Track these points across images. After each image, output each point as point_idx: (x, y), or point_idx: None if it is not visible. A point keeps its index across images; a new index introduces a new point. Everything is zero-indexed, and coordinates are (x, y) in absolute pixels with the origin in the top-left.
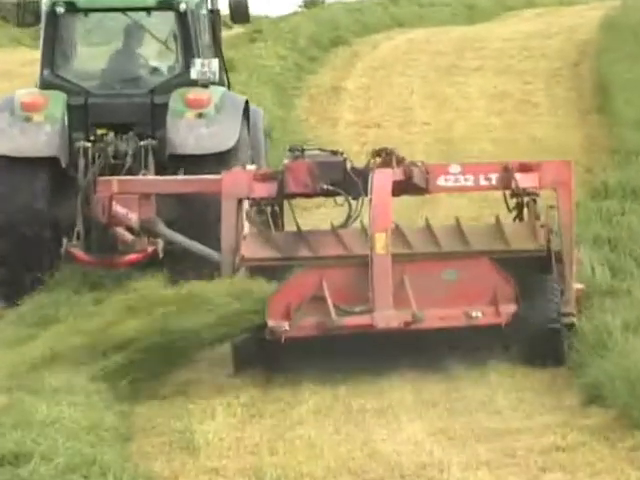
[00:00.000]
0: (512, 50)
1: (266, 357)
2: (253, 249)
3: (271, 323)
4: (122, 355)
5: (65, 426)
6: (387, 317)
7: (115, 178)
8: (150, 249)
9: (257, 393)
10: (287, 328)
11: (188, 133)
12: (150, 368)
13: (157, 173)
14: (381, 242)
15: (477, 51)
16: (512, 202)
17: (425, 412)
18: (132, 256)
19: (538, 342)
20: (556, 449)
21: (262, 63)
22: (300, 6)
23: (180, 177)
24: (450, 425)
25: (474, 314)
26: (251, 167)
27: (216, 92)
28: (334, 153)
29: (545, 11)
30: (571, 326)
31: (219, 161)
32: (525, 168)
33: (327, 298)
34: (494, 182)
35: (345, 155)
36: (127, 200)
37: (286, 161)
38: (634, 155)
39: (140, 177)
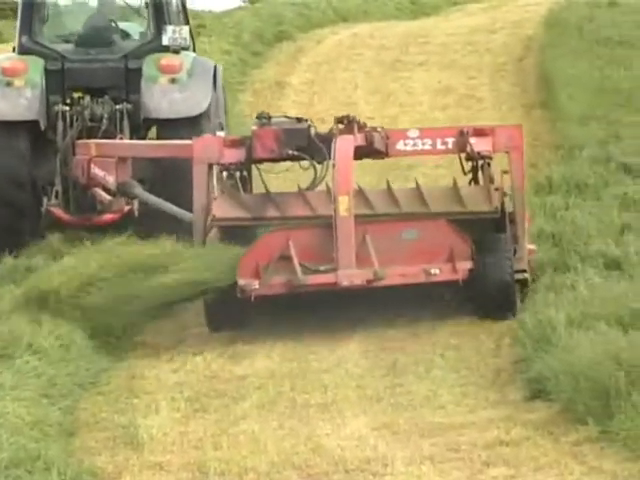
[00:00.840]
0: (456, 45)
1: (237, 314)
2: (224, 209)
3: (241, 282)
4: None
5: (9, 421)
6: (350, 275)
7: (93, 141)
8: (126, 208)
9: (201, 388)
10: (257, 286)
11: (162, 98)
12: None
13: (131, 136)
14: (344, 204)
15: (421, 46)
16: (467, 165)
17: (369, 407)
18: (109, 215)
19: (492, 296)
20: (500, 444)
21: (206, 58)
22: (244, 1)
23: (154, 142)
24: (394, 420)
25: (433, 271)
26: (221, 133)
27: (187, 58)
28: (299, 120)
29: (489, 6)
30: (524, 282)
31: (192, 124)
32: (479, 133)
33: (293, 258)
34: (450, 146)
35: (309, 122)
36: (105, 163)
37: (254, 128)
38: (578, 150)
39: (117, 141)
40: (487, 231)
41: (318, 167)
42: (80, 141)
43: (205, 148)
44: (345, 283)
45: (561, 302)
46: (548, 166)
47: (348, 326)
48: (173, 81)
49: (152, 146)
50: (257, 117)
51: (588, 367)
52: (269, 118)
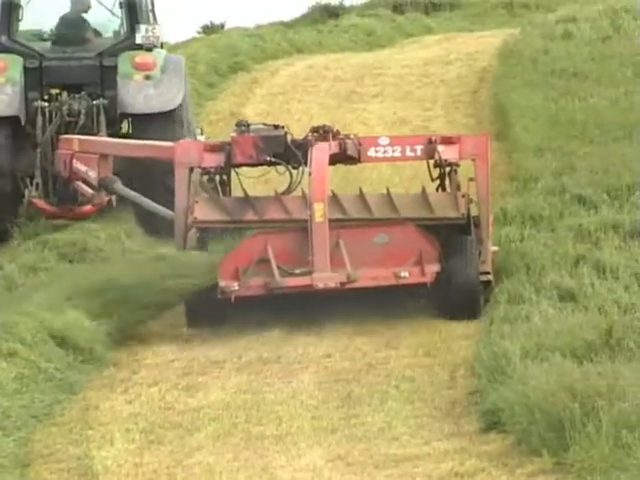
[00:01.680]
0: (411, 76)
1: (215, 313)
2: (205, 212)
3: (222, 283)
4: None
5: None
6: (325, 278)
7: (76, 137)
8: (105, 200)
9: (156, 419)
10: (236, 288)
11: (137, 93)
12: None
13: (107, 130)
14: (319, 211)
15: (376, 77)
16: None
17: (324, 439)
18: (89, 207)
19: (458, 297)
20: (455, 475)
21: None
22: (198, 32)
23: (137, 142)
24: (349, 451)
25: (402, 274)
26: (201, 138)
27: (159, 55)
28: (276, 127)
29: (444, 38)
30: (487, 283)
31: (166, 119)
32: (447, 141)
33: (271, 260)
34: (419, 153)
35: (286, 129)
36: (87, 158)
37: (233, 134)
38: (533, 181)
39: (100, 138)
40: (453, 234)
41: (294, 172)
42: (63, 136)
43: (186, 152)
44: (320, 285)
45: (516, 333)
46: (503, 197)
47: (302, 357)
48: (147, 78)
49: (134, 146)
50: (236, 125)
51: (543, 399)
52: (248, 126)
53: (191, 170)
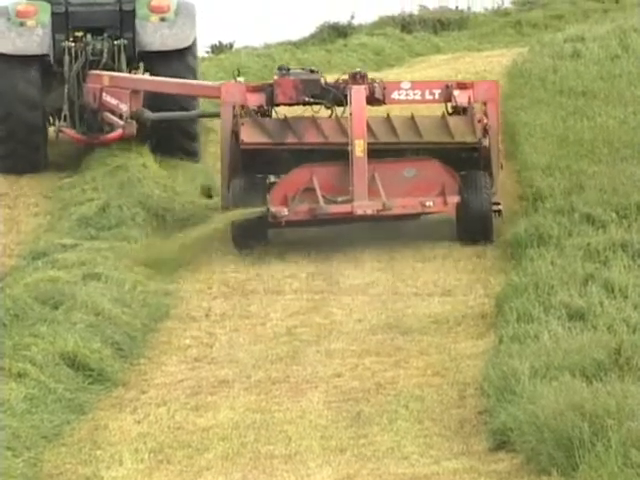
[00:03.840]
0: None
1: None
2: (250, 134)
3: (273, 209)
4: None
5: None
6: (364, 205)
7: (108, 73)
8: (127, 130)
9: (165, 439)
10: (286, 213)
11: (154, 33)
12: None
13: (127, 68)
14: (360, 147)
15: None
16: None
17: (333, 458)
18: (114, 134)
19: (476, 225)
20: None
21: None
22: (207, 52)
23: (185, 81)
24: (358, 471)
25: (427, 203)
26: (240, 79)
27: (173, 0)
28: (312, 72)
29: (452, 57)
30: (499, 212)
31: (179, 56)
32: (462, 86)
33: (317, 190)
34: (437, 96)
35: (321, 74)
36: (118, 92)
37: (275, 77)
38: (541, 200)
39: (147, 77)
40: (470, 170)
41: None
42: (92, 72)
43: (231, 92)
44: (359, 212)
45: (525, 353)
46: (512, 217)
47: (311, 377)
48: (163, 19)
49: (182, 85)
50: (278, 69)
51: (552, 418)
52: (288, 70)
53: (234, 108)
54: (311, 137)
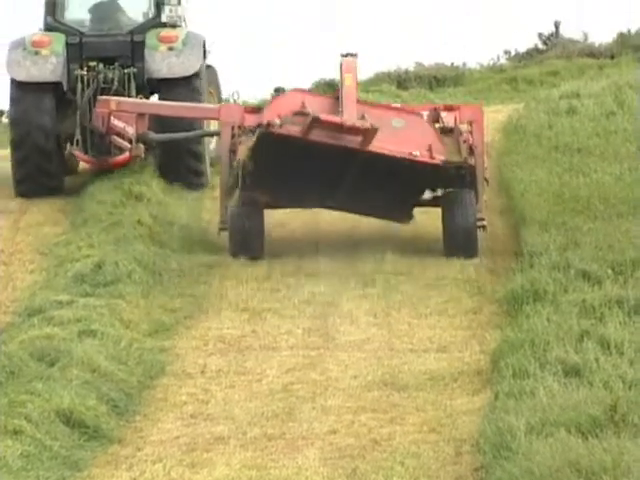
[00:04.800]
0: None
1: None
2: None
3: (266, 120)
4: None
5: None
6: (353, 119)
7: (115, 98)
8: (135, 152)
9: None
10: (279, 122)
11: (162, 62)
12: None
13: (136, 94)
14: (349, 79)
15: None
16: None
17: None
18: (121, 157)
19: (461, 239)
20: None
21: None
22: (272, 94)
23: (183, 103)
24: None
25: (415, 152)
26: (238, 101)
27: (182, 31)
28: None
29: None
30: (483, 227)
31: (186, 83)
32: (449, 109)
33: (308, 110)
34: (425, 118)
35: None
36: (125, 116)
37: (272, 98)
38: (537, 257)
39: (142, 100)
40: (455, 188)
41: None
42: (101, 97)
43: (230, 113)
44: (348, 123)
45: (520, 409)
46: (508, 273)
47: (307, 433)
48: (170, 49)
49: (183, 107)
50: (275, 90)
51: (548, 475)
52: (284, 91)
53: (233, 128)
54: None
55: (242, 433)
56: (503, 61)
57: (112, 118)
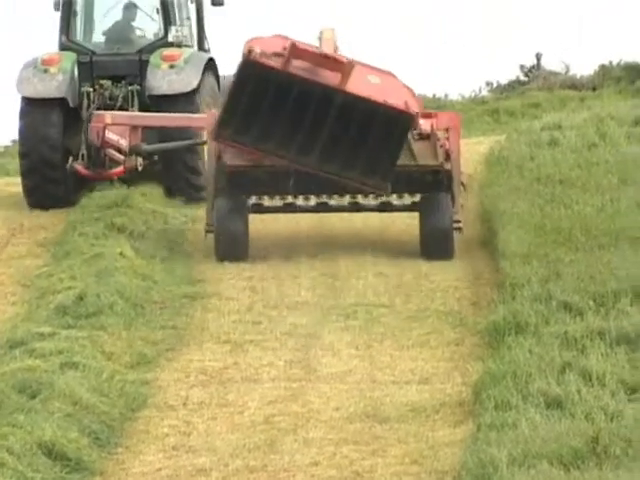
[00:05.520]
0: None
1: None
2: (232, 157)
3: (247, 49)
4: None
5: None
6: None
7: (108, 112)
8: (128, 164)
9: None
10: (258, 51)
11: (162, 79)
12: None
13: (140, 111)
14: (328, 34)
15: None
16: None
17: None
18: (117, 170)
19: (437, 241)
20: None
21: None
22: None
23: (171, 114)
24: None
25: (390, 101)
26: None
27: (187, 51)
28: None
29: None
30: (459, 229)
31: (186, 99)
32: (426, 116)
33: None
34: None
35: None
36: (118, 129)
37: None
38: (519, 289)
39: (132, 113)
40: (432, 192)
41: None
42: (96, 112)
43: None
44: (327, 52)
45: (502, 441)
46: (489, 305)
47: (289, 465)
48: (172, 67)
49: (173, 118)
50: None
51: None
52: None
53: None
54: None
55: (224, 465)
56: (485, 93)
57: (107, 131)
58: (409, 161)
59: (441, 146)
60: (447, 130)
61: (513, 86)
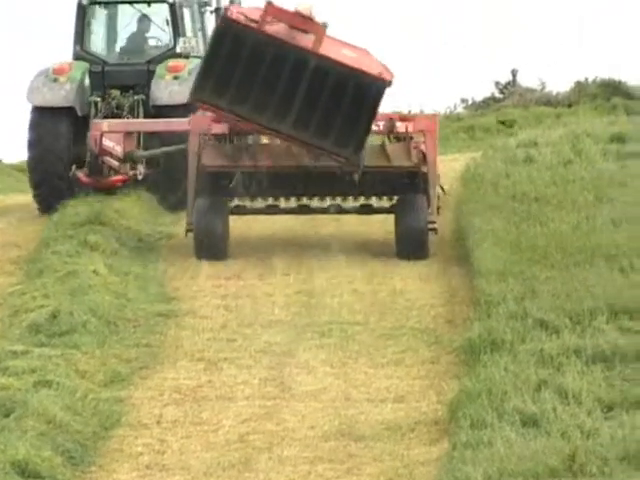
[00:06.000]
0: None
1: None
2: (211, 158)
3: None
4: None
5: None
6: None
7: (105, 120)
8: (132, 173)
9: None
10: (235, 12)
11: (165, 90)
12: None
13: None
14: (304, 6)
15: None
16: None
17: None
18: (118, 178)
19: (412, 242)
20: None
21: None
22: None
23: (161, 120)
24: None
25: (365, 68)
26: (208, 113)
27: (193, 62)
28: None
29: None
30: (434, 230)
31: (187, 109)
32: (403, 119)
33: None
34: (381, 127)
35: None
36: (114, 137)
37: None
38: (494, 306)
39: (126, 120)
40: (408, 193)
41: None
42: (93, 120)
43: (198, 122)
44: (305, 13)
45: (478, 459)
46: (465, 322)
47: None
48: (175, 78)
49: (162, 123)
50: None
51: None
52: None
53: (200, 135)
54: (263, 160)
55: None
56: (460, 109)
57: (104, 139)
58: (383, 162)
59: (415, 147)
60: (424, 133)
61: (488, 103)
